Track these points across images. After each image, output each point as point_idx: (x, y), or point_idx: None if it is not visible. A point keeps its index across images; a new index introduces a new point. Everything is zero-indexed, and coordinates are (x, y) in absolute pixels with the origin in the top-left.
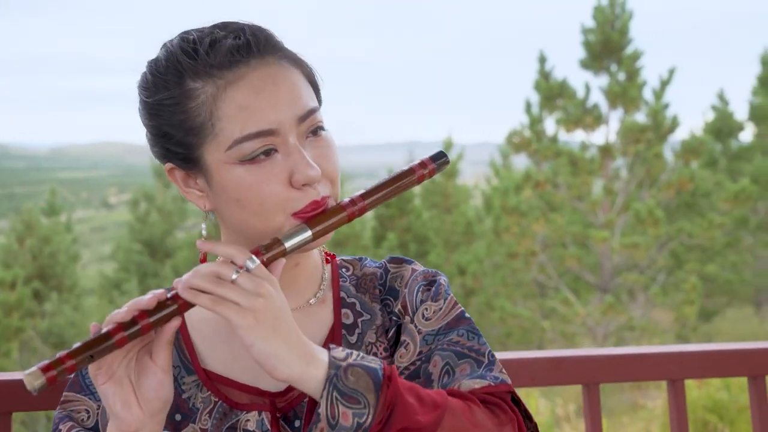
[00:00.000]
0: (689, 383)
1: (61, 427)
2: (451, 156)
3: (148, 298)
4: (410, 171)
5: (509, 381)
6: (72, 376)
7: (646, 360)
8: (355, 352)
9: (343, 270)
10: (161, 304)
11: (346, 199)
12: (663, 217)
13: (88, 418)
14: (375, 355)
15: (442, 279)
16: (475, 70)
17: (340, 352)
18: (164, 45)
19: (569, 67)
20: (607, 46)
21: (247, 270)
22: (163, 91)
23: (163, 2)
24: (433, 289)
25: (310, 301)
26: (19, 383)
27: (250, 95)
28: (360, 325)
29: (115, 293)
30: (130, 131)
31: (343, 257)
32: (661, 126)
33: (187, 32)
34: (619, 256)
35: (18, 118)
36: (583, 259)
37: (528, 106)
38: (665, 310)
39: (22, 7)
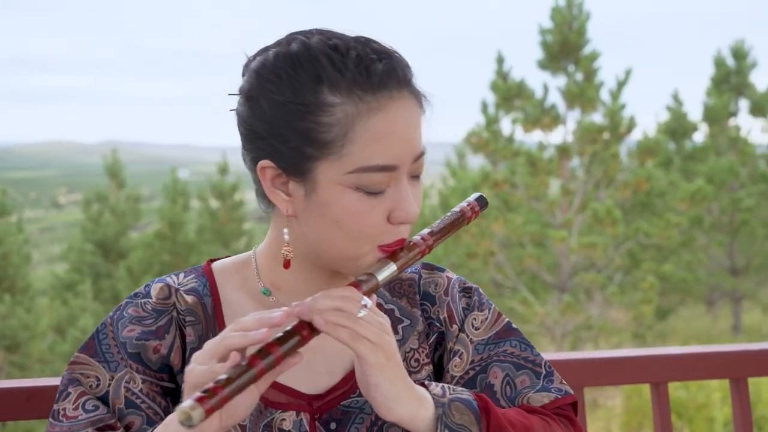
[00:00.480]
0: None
1: (70, 389)
2: None
3: (278, 316)
4: (460, 212)
5: (571, 391)
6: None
7: (630, 363)
8: (446, 386)
9: None
10: (288, 334)
11: (417, 237)
12: (621, 217)
13: (97, 386)
14: (417, 361)
15: (478, 288)
16: (429, 70)
17: (435, 388)
18: (299, 40)
19: (527, 67)
20: (565, 46)
21: (366, 307)
22: (294, 92)
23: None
24: (475, 298)
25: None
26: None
27: (386, 128)
28: (401, 331)
29: (69, 295)
30: (78, 130)
31: None
32: (618, 126)
33: (326, 34)
34: (577, 255)
35: None
36: (542, 258)
37: (484, 107)
38: (621, 309)
39: None
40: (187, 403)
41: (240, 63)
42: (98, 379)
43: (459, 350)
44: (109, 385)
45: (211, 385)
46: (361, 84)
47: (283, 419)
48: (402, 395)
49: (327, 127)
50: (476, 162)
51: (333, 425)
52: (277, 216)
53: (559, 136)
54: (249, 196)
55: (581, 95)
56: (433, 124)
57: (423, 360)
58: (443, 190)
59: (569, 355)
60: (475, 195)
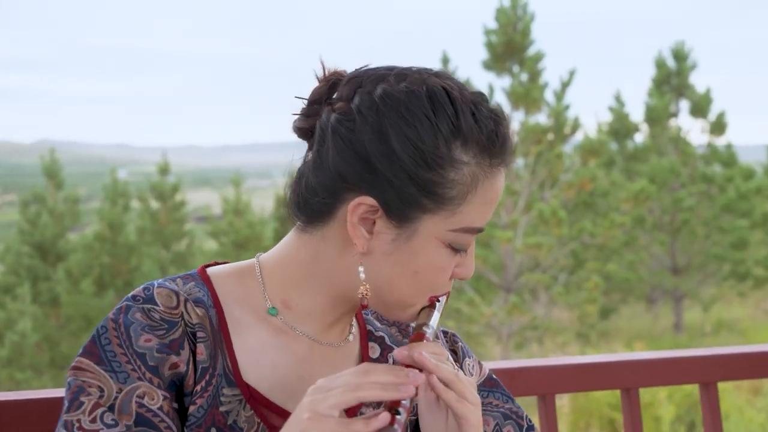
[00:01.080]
0: None
1: (83, 399)
2: None
3: (416, 380)
4: None
5: None
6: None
7: (600, 369)
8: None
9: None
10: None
11: None
12: (565, 217)
13: (101, 397)
14: None
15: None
16: None
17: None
18: (432, 81)
19: (472, 68)
20: (510, 47)
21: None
22: (431, 139)
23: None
24: (460, 344)
25: (348, 338)
26: None
27: (495, 194)
28: (390, 359)
29: (7, 298)
30: (13, 130)
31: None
32: (562, 127)
33: (454, 81)
34: (523, 256)
35: None
36: (488, 259)
37: None
38: (566, 309)
39: None
40: None
41: (176, 63)
42: (101, 390)
43: None
44: (116, 398)
45: None
46: (490, 149)
47: None
48: None
49: (452, 183)
50: None
51: None
52: (327, 240)
53: None
54: (190, 197)
55: (526, 96)
56: None
57: None
58: None
59: (542, 362)
60: None
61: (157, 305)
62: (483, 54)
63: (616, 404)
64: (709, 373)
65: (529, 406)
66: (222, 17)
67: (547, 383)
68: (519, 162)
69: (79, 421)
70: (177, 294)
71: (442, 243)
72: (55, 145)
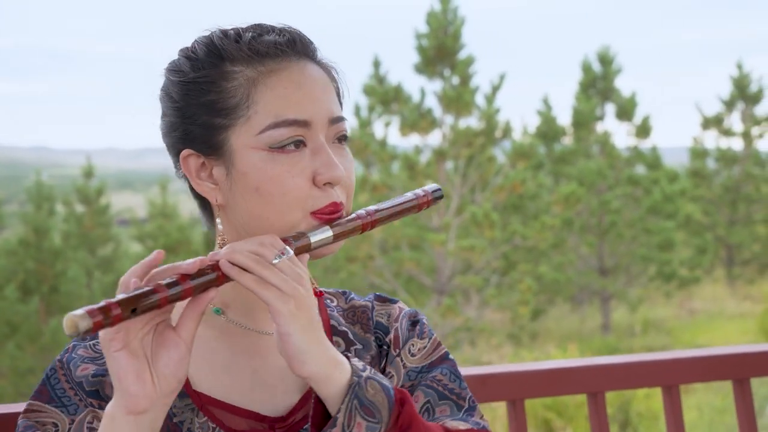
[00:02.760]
0: None
1: None
2: None
3: (190, 263)
4: (413, 197)
5: (489, 427)
6: (41, 385)
7: (569, 374)
8: (368, 367)
9: (328, 301)
10: (200, 272)
11: (361, 211)
12: (498, 220)
13: (56, 431)
14: None
15: (424, 318)
16: None
17: (358, 362)
18: (199, 37)
19: (403, 71)
20: (441, 51)
21: (284, 256)
22: (196, 72)
23: None
24: (418, 327)
25: None
26: None
27: (290, 86)
28: (354, 353)
29: None
30: None
31: (326, 290)
32: (492, 130)
33: (225, 29)
34: (455, 258)
35: None
36: (420, 261)
37: (357, 110)
38: (498, 310)
39: None
40: (77, 311)
41: (92, 63)
42: (56, 425)
43: (390, 372)
44: (69, 429)
45: (105, 302)
46: (260, 52)
47: None
48: (314, 350)
49: (230, 92)
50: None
51: None
52: (212, 224)
53: (435, 139)
54: (115, 199)
55: (457, 99)
56: None
57: None
58: None
59: (511, 368)
60: (432, 186)
61: (98, 335)
62: (415, 57)
63: (551, 405)
64: (671, 377)
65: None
66: (136, 18)
67: (517, 389)
68: (449, 165)
69: None
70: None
71: (262, 149)
72: None
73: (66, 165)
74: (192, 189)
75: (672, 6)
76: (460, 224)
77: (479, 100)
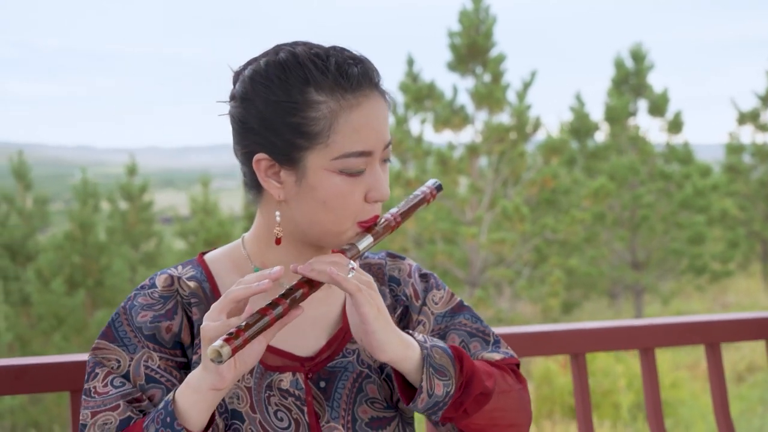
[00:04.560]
0: (557, 370)
1: (97, 370)
2: None
3: (277, 271)
4: (421, 194)
5: (515, 355)
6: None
7: (552, 337)
8: (425, 335)
9: None
10: (293, 289)
11: (388, 215)
12: (528, 214)
13: (118, 366)
14: None
15: (432, 273)
16: None
17: (418, 336)
18: (286, 50)
19: (437, 69)
20: (473, 49)
21: (353, 269)
22: (285, 93)
23: None
24: (432, 281)
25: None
26: None
27: (363, 120)
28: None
29: None
30: None
31: (341, 247)
32: (524, 126)
33: (309, 45)
34: (487, 251)
35: None
36: (453, 254)
37: (394, 107)
38: (530, 302)
39: None
40: (216, 343)
41: (135, 64)
42: (119, 361)
43: (423, 320)
44: (129, 365)
45: (234, 329)
46: (342, 85)
47: (281, 380)
48: (392, 340)
49: (314, 121)
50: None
51: (322, 383)
52: (266, 203)
53: (468, 135)
54: (158, 197)
55: (489, 96)
56: None
57: None
58: None
59: (498, 330)
60: (432, 181)
61: (156, 287)
62: (447, 55)
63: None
64: (647, 340)
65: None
66: (178, 19)
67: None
68: (483, 161)
69: (95, 387)
70: (172, 276)
71: (332, 172)
72: (16, 146)
73: (109, 164)
74: (249, 179)
75: (706, 1)
76: (492, 218)
77: (511, 96)
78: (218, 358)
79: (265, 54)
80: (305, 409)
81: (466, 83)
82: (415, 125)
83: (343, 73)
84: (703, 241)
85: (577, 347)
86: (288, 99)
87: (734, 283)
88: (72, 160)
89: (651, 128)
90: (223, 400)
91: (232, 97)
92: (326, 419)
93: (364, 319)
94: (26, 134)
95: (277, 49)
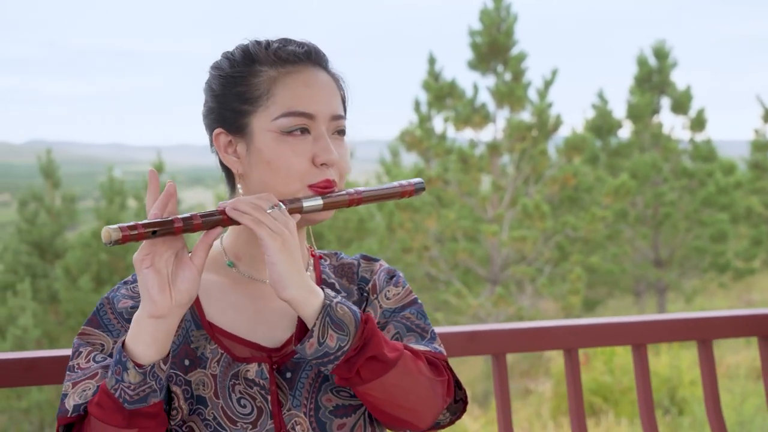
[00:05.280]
0: None
1: (81, 350)
2: None
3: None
4: (398, 186)
5: (445, 353)
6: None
7: (546, 333)
8: (339, 296)
9: (323, 261)
10: (210, 212)
11: (350, 189)
12: (549, 212)
13: (102, 349)
14: None
15: (401, 273)
16: (361, 69)
17: (330, 291)
18: (238, 44)
19: (458, 67)
20: (494, 48)
21: (278, 208)
22: (232, 68)
23: None
24: (395, 278)
25: None
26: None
27: (301, 86)
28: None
29: (7, 294)
30: (4, 130)
31: (322, 251)
32: (545, 124)
33: (269, 40)
34: (508, 249)
35: None
36: (474, 252)
37: (417, 105)
38: (551, 299)
39: None
40: (111, 227)
41: (164, 63)
42: (102, 345)
43: (370, 311)
44: (113, 348)
45: (133, 223)
46: (282, 57)
47: (248, 370)
48: (294, 279)
49: (256, 86)
50: (410, 159)
51: (288, 374)
52: (234, 188)
53: (489, 134)
54: (183, 195)
55: (510, 94)
56: (367, 122)
57: None
58: None
59: (496, 326)
60: (418, 180)
61: (136, 282)
62: (468, 54)
63: (597, 389)
64: (639, 337)
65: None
66: (207, 16)
67: (500, 344)
68: (505, 158)
69: (78, 364)
70: None
71: (274, 132)
72: (47, 144)
73: (139, 161)
74: (220, 164)
75: None
76: (513, 216)
77: (532, 94)
78: (108, 240)
79: (225, 51)
80: (269, 398)
81: (487, 81)
82: (437, 123)
83: (284, 50)
84: (725, 238)
85: (570, 343)
86: (233, 72)
87: (758, 280)
88: (102, 157)
89: (674, 126)
90: (190, 386)
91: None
92: (288, 407)
93: (265, 249)
94: (56, 132)
95: (237, 45)
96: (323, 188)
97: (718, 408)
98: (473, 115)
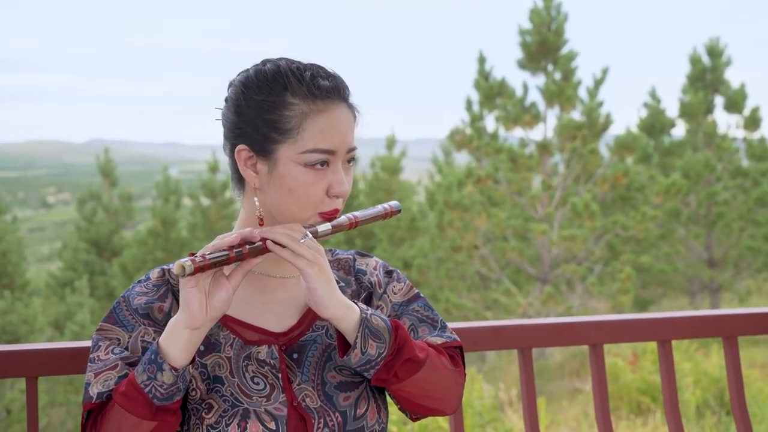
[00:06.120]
0: (625, 367)
1: (100, 343)
2: (394, 153)
3: (235, 237)
4: (383, 210)
5: (458, 339)
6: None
7: (571, 328)
8: (370, 308)
9: None
10: (250, 243)
11: (349, 214)
12: (598, 211)
13: (119, 344)
14: None
15: (397, 269)
16: (416, 70)
17: (362, 305)
18: (269, 61)
19: (507, 67)
20: (544, 47)
21: (307, 236)
22: (266, 93)
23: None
24: (394, 275)
25: None
26: (44, 352)
27: (328, 124)
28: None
29: (66, 291)
30: (64, 130)
31: None
32: (595, 123)
33: (290, 60)
34: (558, 248)
35: None
36: (524, 251)
37: (469, 104)
38: (602, 299)
39: None
40: (183, 260)
41: (221, 62)
42: (119, 340)
43: (381, 305)
44: (128, 341)
45: (200, 256)
46: (314, 93)
47: (259, 351)
48: (333, 299)
49: (288, 118)
50: (462, 158)
51: (295, 355)
52: (247, 194)
53: (539, 133)
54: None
55: (560, 94)
56: (419, 121)
57: None
58: (430, 187)
59: (521, 321)
60: (395, 203)
61: (150, 279)
62: (518, 53)
63: (645, 389)
64: (664, 333)
65: (517, 380)
66: (264, 17)
67: (525, 338)
68: (557, 158)
69: (98, 356)
70: (164, 269)
71: (299, 164)
72: (106, 144)
73: (195, 160)
74: (232, 169)
75: None
76: (564, 215)
77: (582, 93)
78: (182, 272)
79: (255, 65)
80: (279, 375)
81: (537, 81)
82: (489, 123)
83: (316, 83)
84: None
85: (594, 338)
86: (267, 99)
87: None
88: (160, 156)
89: (728, 125)
90: (206, 368)
91: (226, 100)
92: (297, 382)
93: (305, 278)
94: (116, 132)
95: (265, 61)
96: (331, 216)
97: (743, 405)
98: (523, 115)
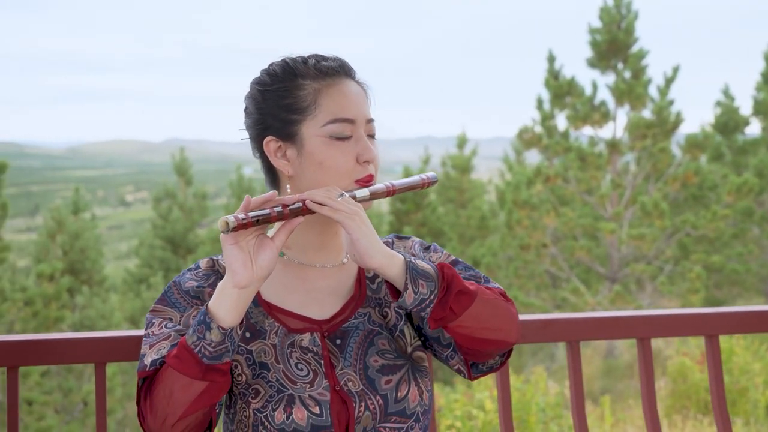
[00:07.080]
0: (693, 366)
1: (154, 321)
2: (465, 151)
3: (288, 198)
4: (420, 180)
5: (502, 288)
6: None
7: (619, 322)
8: (411, 255)
9: None
10: (294, 205)
11: (385, 182)
12: (668, 210)
13: (171, 321)
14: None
15: (436, 244)
16: (487, 68)
17: (403, 252)
18: (274, 62)
19: (577, 65)
20: (613, 45)
21: (344, 195)
22: (278, 83)
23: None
24: (432, 247)
25: (343, 260)
26: (111, 339)
27: (341, 95)
28: (380, 276)
29: (142, 287)
30: (142, 129)
31: None
32: (666, 122)
33: (292, 55)
34: (627, 247)
35: (30, 117)
36: (593, 250)
37: (539, 103)
38: (672, 298)
39: (17, 5)
40: (227, 216)
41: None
42: (171, 319)
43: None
44: (180, 320)
45: (243, 214)
46: (322, 71)
47: (302, 339)
48: (376, 248)
49: (302, 98)
50: (534, 157)
51: (338, 341)
52: (282, 190)
53: (609, 131)
54: None
55: (630, 92)
56: (490, 119)
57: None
58: (500, 185)
59: (569, 315)
60: (431, 174)
61: (200, 268)
62: (587, 52)
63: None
64: (712, 328)
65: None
66: (337, 16)
67: (573, 332)
68: (627, 156)
69: (152, 331)
70: (213, 259)
71: (324, 137)
72: (183, 143)
73: None
74: (265, 168)
75: None
76: (633, 214)
77: (653, 92)
78: (225, 228)
79: (262, 69)
80: (322, 361)
81: (607, 79)
82: (559, 121)
83: (321, 65)
84: None
85: (642, 332)
86: (281, 86)
87: None
88: (234, 155)
89: None
90: (252, 354)
91: (245, 110)
92: (340, 367)
93: (347, 230)
94: (192, 131)
95: (270, 63)
96: (367, 182)
97: (722, 403)
98: (592, 113)
